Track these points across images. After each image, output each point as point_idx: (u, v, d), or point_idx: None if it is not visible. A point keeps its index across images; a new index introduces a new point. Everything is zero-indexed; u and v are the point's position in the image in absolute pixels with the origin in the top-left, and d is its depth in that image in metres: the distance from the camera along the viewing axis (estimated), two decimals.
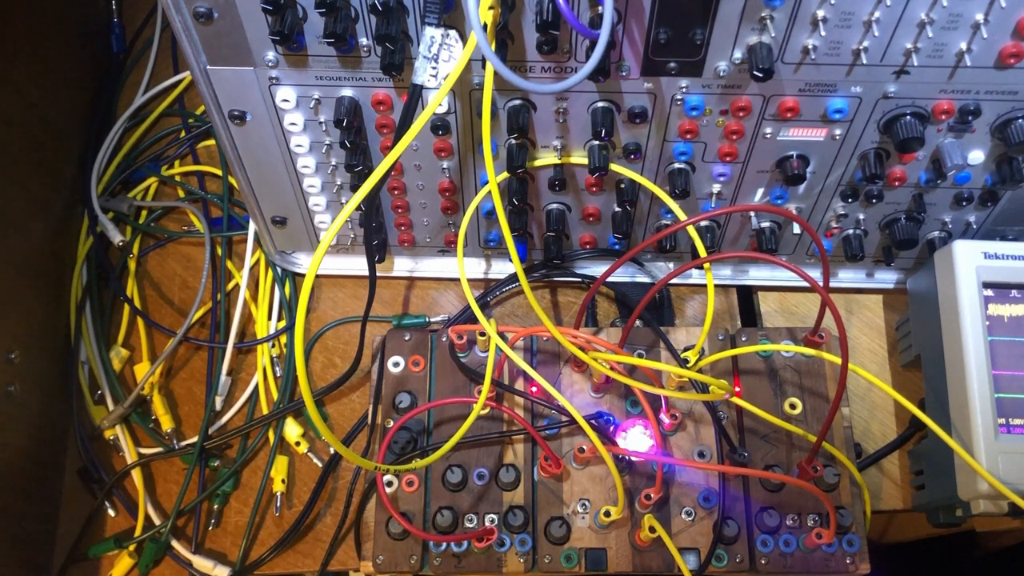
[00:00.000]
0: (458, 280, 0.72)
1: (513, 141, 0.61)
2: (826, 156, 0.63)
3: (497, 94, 0.59)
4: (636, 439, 0.64)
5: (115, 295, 0.78)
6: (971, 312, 0.63)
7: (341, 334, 0.77)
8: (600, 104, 0.59)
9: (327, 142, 0.63)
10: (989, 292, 0.64)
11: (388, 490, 0.65)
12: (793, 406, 0.67)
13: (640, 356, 0.68)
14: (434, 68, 0.53)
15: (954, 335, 0.63)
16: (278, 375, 0.75)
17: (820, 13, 0.52)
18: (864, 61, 0.55)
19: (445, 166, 0.65)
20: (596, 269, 0.76)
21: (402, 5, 0.53)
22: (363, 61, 0.57)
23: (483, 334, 0.65)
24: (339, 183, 0.67)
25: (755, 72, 0.53)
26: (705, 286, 0.66)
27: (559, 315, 0.77)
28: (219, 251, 0.79)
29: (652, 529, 0.61)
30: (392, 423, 0.66)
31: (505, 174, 0.63)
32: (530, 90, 0.57)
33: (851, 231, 0.70)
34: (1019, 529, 0.72)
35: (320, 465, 0.72)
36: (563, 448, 0.66)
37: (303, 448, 0.72)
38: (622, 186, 0.66)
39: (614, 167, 0.63)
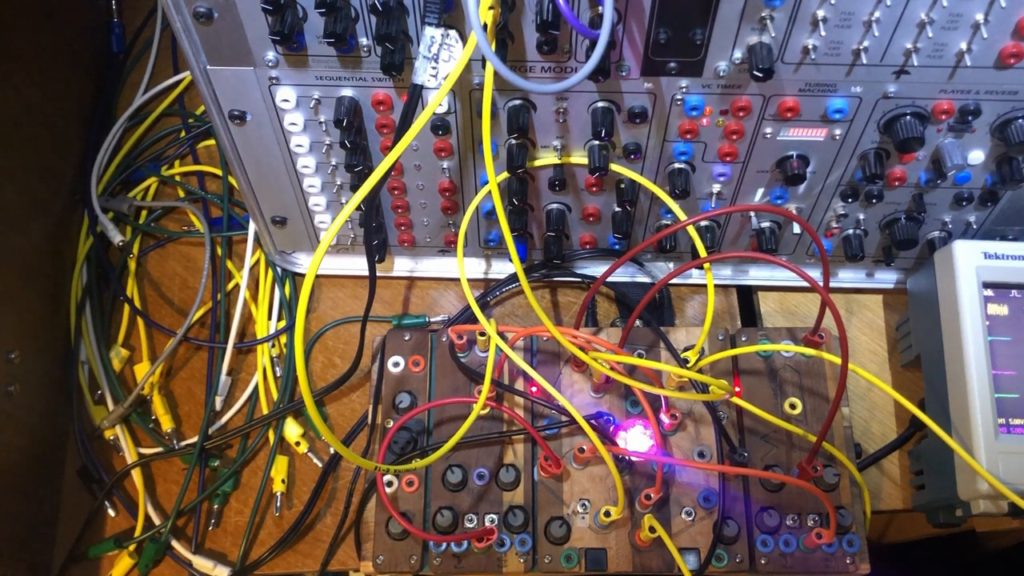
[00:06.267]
0: (458, 280, 0.72)
1: (513, 141, 0.61)
2: (826, 156, 0.63)
3: (497, 94, 0.59)
4: (636, 439, 0.64)
5: (115, 295, 0.78)
6: (971, 312, 0.63)
7: (341, 334, 0.77)
8: (600, 104, 0.59)
9: (327, 142, 0.63)
10: (989, 292, 0.64)
11: (388, 490, 0.65)
12: (793, 406, 0.67)
13: (640, 356, 0.68)
14: (434, 68, 0.53)
15: (954, 335, 0.63)
16: (278, 375, 0.75)
17: (820, 13, 0.52)
18: (864, 61, 0.55)
19: (445, 166, 0.65)
20: (596, 269, 0.76)
21: (402, 5, 0.53)
22: (363, 61, 0.57)
23: (483, 334, 0.65)
24: (339, 183, 0.67)
25: (755, 72, 0.53)
26: (705, 286, 0.66)
27: (559, 315, 0.77)
28: (219, 251, 0.79)
29: (652, 529, 0.61)
30: (392, 423, 0.66)
31: (505, 174, 0.63)
32: (530, 90, 0.57)
33: (851, 231, 0.70)
34: (1019, 529, 0.72)
35: (320, 465, 0.72)
36: (563, 448, 0.66)
37: (303, 448, 0.72)
38: (622, 186, 0.66)
39: (614, 167, 0.63)
